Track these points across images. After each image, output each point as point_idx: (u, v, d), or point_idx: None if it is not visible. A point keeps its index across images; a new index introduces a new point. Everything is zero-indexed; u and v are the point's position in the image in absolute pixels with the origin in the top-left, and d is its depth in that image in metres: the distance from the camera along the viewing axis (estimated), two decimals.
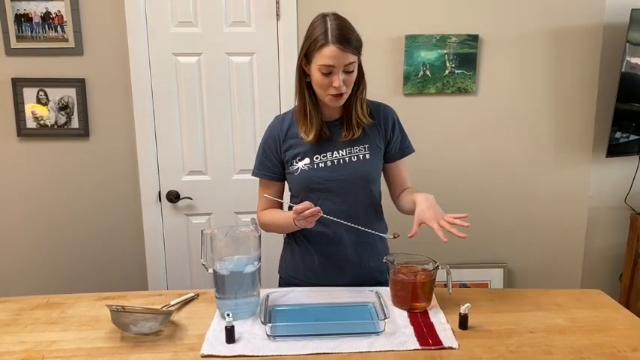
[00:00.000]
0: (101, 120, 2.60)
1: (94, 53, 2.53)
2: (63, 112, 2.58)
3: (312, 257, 1.73)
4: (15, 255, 2.72)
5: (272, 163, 1.70)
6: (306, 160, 1.64)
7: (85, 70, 2.55)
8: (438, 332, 1.39)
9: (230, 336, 1.35)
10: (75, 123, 2.59)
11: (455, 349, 1.32)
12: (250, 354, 1.30)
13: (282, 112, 1.77)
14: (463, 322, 1.42)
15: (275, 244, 2.73)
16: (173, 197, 2.66)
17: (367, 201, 1.71)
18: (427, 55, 2.59)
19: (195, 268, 2.76)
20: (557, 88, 2.68)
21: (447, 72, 2.61)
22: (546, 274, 2.86)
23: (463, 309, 1.42)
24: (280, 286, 1.84)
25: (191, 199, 2.68)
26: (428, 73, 2.61)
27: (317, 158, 1.65)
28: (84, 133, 2.60)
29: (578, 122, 2.72)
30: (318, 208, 1.49)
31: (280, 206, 1.76)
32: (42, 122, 2.58)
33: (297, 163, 1.65)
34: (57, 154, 2.62)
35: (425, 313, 1.50)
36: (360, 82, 1.63)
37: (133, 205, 2.68)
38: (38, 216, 2.68)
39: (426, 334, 1.39)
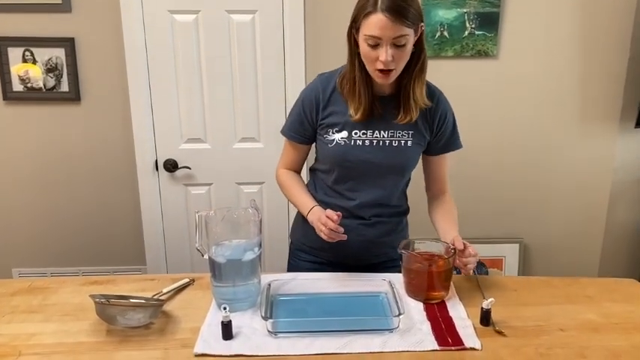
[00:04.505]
0: (93, 83, 2.42)
1: (83, 10, 2.33)
2: (52, 74, 2.40)
3: None
4: (2, 227, 2.60)
5: (304, 127, 1.54)
6: (344, 134, 1.48)
7: (73, 29, 2.35)
8: (458, 329, 1.25)
9: (227, 332, 1.22)
10: (65, 86, 2.41)
11: (477, 349, 1.19)
12: (249, 353, 1.17)
13: (326, 72, 1.56)
14: (485, 318, 1.28)
15: (281, 220, 2.61)
16: (171, 166, 2.51)
17: (396, 189, 1.57)
18: (445, 14, 2.37)
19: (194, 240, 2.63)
20: (585, 52, 2.46)
21: (466, 33, 2.40)
22: (564, 249, 2.72)
23: (486, 304, 1.28)
24: (290, 250, 1.73)
25: (189, 168, 2.52)
26: (445, 34, 2.40)
27: (356, 134, 1.48)
28: (74, 97, 2.42)
29: (607, 89, 2.52)
30: (343, 232, 1.39)
31: (302, 166, 1.66)
32: (29, 85, 2.40)
33: (333, 133, 1.49)
34: (46, 119, 2.46)
35: (442, 306, 1.36)
36: (419, 58, 1.42)
37: (129, 174, 2.53)
38: (26, 186, 2.54)
39: (445, 331, 1.25)
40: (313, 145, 1.61)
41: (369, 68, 1.39)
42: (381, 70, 1.36)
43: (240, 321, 1.28)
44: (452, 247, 1.40)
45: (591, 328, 1.27)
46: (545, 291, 1.46)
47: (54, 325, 1.29)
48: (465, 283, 1.48)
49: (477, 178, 2.60)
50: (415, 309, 1.34)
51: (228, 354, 1.17)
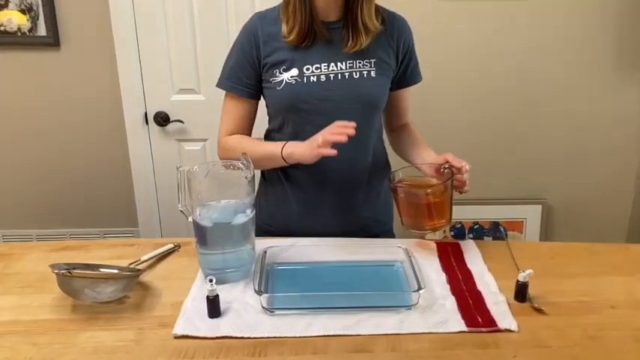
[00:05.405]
0: (73, 26, 2.19)
1: None
2: (27, 16, 2.16)
3: (289, 201, 1.39)
4: None
5: (246, 74, 1.32)
6: (294, 71, 1.27)
7: None
8: (489, 306, 1.05)
9: (213, 309, 1.02)
10: (42, 29, 2.18)
11: (513, 331, 0.98)
12: (239, 335, 0.97)
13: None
14: (521, 292, 1.08)
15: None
16: (161, 120, 2.29)
17: (368, 131, 1.35)
18: None
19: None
20: None
21: None
22: (591, 211, 2.50)
23: (522, 276, 1.07)
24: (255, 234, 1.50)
25: (182, 122, 2.30)
26: None
27: (308, 69, 1.27)
28: (53, 41, 2.19)
29: None
30: (353, 124, 1.15)
31: (250, 132, 1.41)
32: (2, 28, 2.17)
33: (281, 74, 1.28)
34: (21, 66, 2.23)
35: (469, 277, 1.15)
36: None
37: (116, 129, 2.32)
38: (3, 141, 2.34)
39: (473, 308, 1.05)
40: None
41: None
42: None
43: (230, 294, 1.08)
44: (446, 166, 1.22)
45: None
46: (588, 260, 1.25)
47: (12, 298, 1.10)
48: (493, 250, 1.27)
49: (495, 131, 2.37)
50: (436, 281, 1.14)
51: (213, 335, 0.97)
